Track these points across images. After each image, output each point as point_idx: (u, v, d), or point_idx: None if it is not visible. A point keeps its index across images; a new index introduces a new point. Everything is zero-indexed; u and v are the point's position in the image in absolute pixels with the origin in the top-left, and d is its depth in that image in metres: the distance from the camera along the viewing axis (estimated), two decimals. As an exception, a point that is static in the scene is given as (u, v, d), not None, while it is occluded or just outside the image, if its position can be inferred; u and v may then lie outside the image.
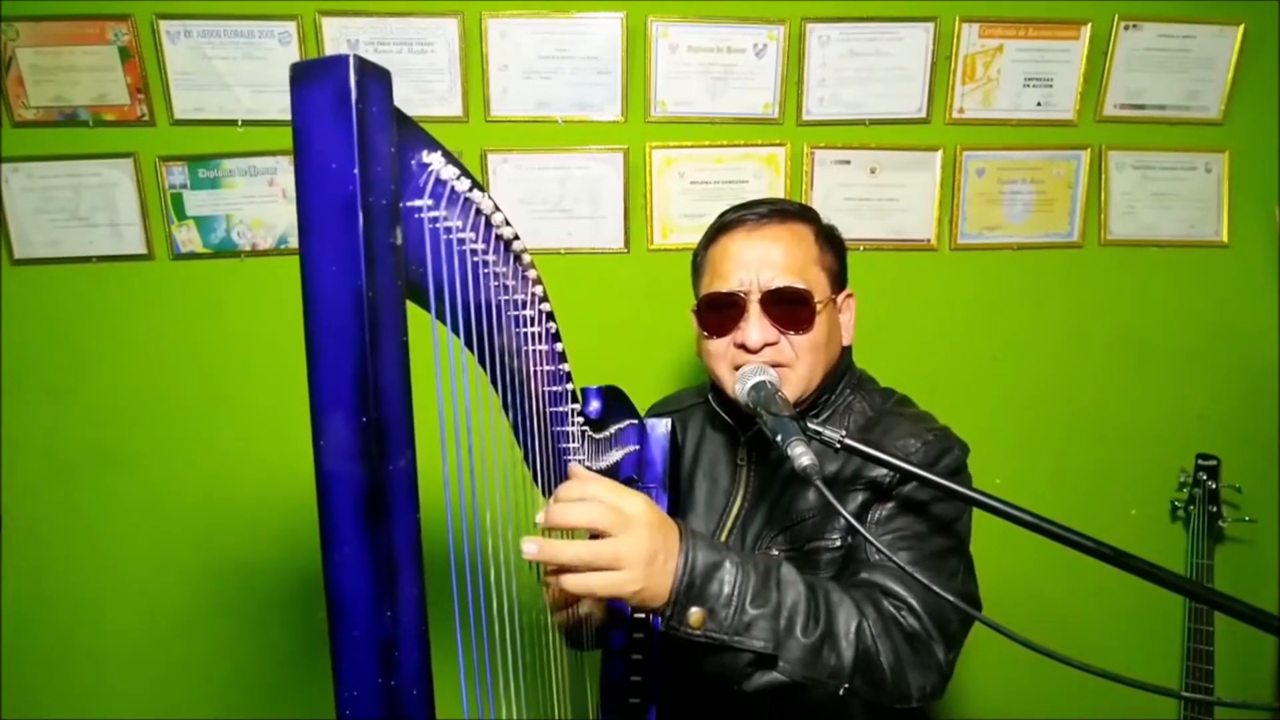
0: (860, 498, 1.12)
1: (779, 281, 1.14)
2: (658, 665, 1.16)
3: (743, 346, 1.14)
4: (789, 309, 1.14)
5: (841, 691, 0.92)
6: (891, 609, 0.98)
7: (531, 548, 0.79)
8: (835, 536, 1.12)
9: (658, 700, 1.15)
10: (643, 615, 1.16)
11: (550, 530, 0.84)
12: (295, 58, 1.80)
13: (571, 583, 0.83)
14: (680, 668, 1.11)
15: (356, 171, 0.52)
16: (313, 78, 0.52)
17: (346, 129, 0.52)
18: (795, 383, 1.16)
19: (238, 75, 1.82)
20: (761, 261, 1.15)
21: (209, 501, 1.93)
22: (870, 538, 0.85)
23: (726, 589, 0.88)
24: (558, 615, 1.13)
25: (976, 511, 1.03)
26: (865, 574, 1.03)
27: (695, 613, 0.87)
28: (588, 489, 0.86)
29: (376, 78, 0.54)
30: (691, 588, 0.87)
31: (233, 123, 1.84)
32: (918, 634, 0.98)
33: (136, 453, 1.91)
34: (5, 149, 1.81)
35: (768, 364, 1.13)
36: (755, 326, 1.13)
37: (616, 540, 0.82)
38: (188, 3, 1.79)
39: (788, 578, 0.93)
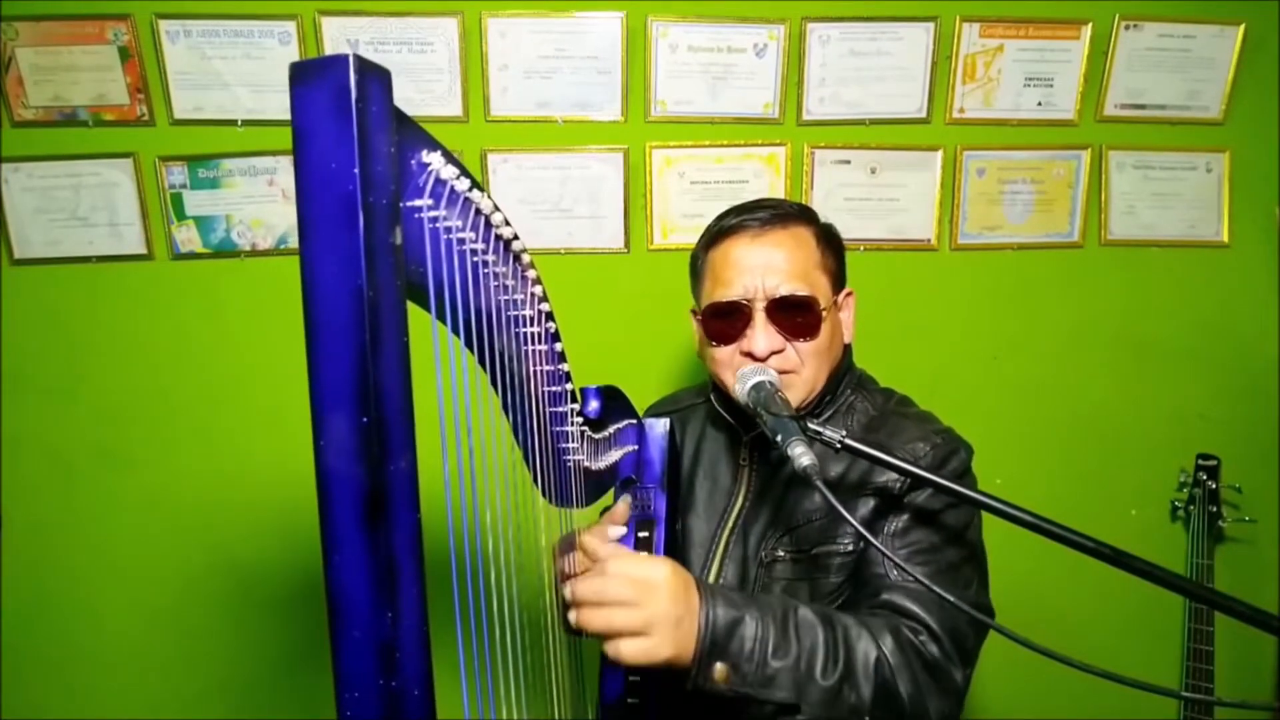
0: (871, 504, 1.11)
1: (784, 289, 1.13)
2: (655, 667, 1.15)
3: (749, 355, 1.14)
4: (795, 316, 1.14)
5: None
6: (909, 634, 0.98)
7: (573, 615, 0.89)
8: (846, 541, 1.12)
9: (656, 701, 1.14)
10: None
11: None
12: (295, 57, 1.80)
13: (606, 649, 0.88)
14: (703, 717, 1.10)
15: (356, 171, 0.52)
16: (312, 77, 0.52)
17: (346, 128, 0.52)
18: (801, 386, 1.16)
19: (237, 75, 1.82)
20: (766, 268, 1.14)
21: (209, 501, 1.93)
22: (877, 544, 0.86)
23: (748, 645, 0.90)
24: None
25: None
26: (885, 595, 1.03)
27: (720, 669, 0.89)
28: (610, 566, 0.89)
29: (376, 77, 0.54)
30: (715, 646, 0.89)
31: (232, 122, 1.84)
32: (937, 661, 0.98)
33: (136, 452, 1.91)
34: (5, 149, 1.81)
35: (774, 370, 1.13)
36: (761, 335, 1.13)
37: (645, 609, 0.86)
38: (187, 2, 1.78)
39: (805, 620, 0.94)
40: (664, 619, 0.86)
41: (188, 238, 1.87)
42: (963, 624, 1.00)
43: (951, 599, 0.81)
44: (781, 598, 1.01)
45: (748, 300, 1.14)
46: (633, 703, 1.14)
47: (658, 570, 0.89)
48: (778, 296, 1.13)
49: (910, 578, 0.99)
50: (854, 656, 0.94)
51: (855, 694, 0.92)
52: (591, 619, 0.87)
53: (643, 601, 0.86)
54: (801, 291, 1.13)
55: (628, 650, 0.86)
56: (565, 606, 1.15)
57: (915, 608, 1.00)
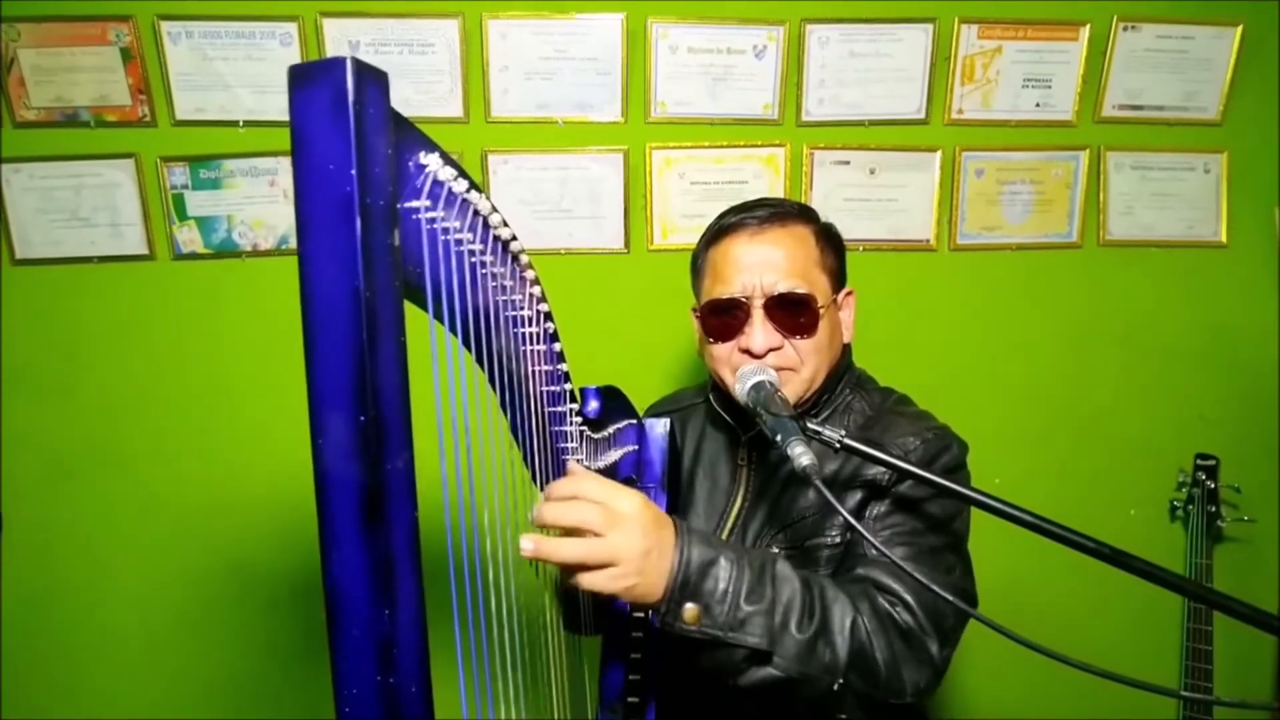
0: (858, 495, 1.12)
1: (782, 286, 1.14)
2: (656, 664, 1.16)
3: (748, 351, 1.15)
4: (792, 313, 1.15)
5: (835, 686, 0.93)
6: (886, 605, 0.99)
7: (528, 545, 0.80)
8: (834, 533, 1.13)
9: (656, 699, 1.15)
10: (641, 614, 1.16)
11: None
12: (296, 59, 1.80)
13: (568, 578, 0.85)
14: (678, 666, 1.11)
15: (354, 173, 0.52)
16: (310, 80, 0.52)
17: (344, 130, 0.52)
18: (799, 384, 1.17)
19: (239, 76, 1.83)
20: (764, 265, 1.15)
21: (208, 501, 1.93)
22: (868, 536, 0.85)
23: (722, 585, 0.89)
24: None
25: (976, 512, 1.04)
26: (862, 569, 1.03)
27: (690, 609, 0.87)
28: (580, 486, 0.86)
29: (374, 80, 0.54)
30: (686, 584, 0.87)
31: (234, 123, 1.85)
32: (912, 630, 0.98)
33: (136, 453, 1.92)
34: (7, 149, 1.82)
35: (772, 368, 1.13)
36: (759, 332, 1.14)
37: (609, 538, 0.83)
38: (189, 3, 1.79)
39: (783, 573, 0.94)
40: (630, 547, 0.83)
41: (189, 238, 1.88)
42: (941, 603, 0.99)
43: (921, 578, 0.82)
44: (761, 550, 1.01)
45: (746, 297, 1.15)
46: (632, 701, 1.14)
47: (627, 500, 0.86)
48: (775, 294, 1.14)
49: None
50: (830, 615, 0.94)
51: (830, 651, 0.92)
52: (558, 549, 0.82)
53: (607, 528, 0.83)
54: (799, 289, 1.14)
55: (591, 580, 0.83)
56: (565, 602, 1.16)
57: (892, 582, 1.01)
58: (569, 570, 0.85)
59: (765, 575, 0.92)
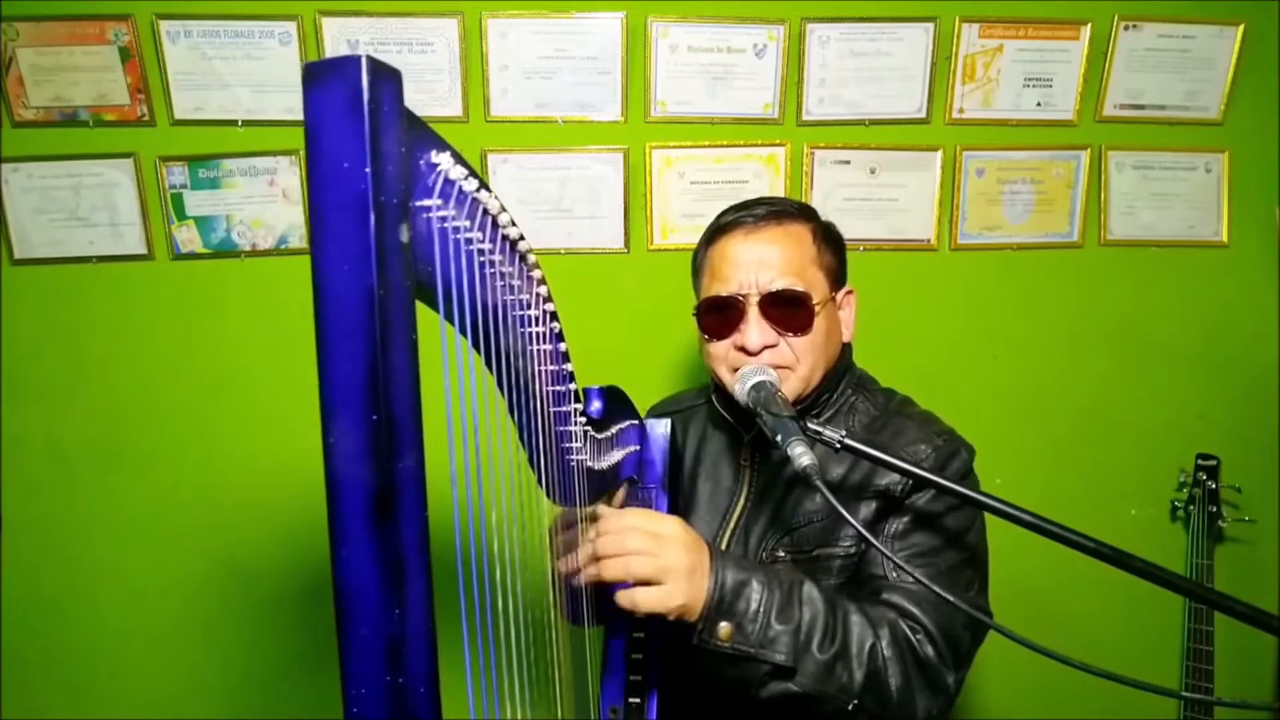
0: (873, 506, 1.12)
1: (777, 284, 1.14)
2: (657, 664, 1.16)
3: (743, 349, 1.15)
4: (788, 310, 1.15)
5: (850, 707, 0.96)
6: (907, 632, 1.00)
7: (592, 569, 0.96)
8: (848, 543, 1.13)
9: (658, 698, 1.15)
10: (642, 616, 1.16)
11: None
12: (295, 58, 1.80)
13: (621, 598, 0.93)
14: (683, 671, 1.11)
15: (368, 171, 0.52)
16: (325, 78, 0.52)
17: (358, 129, 0.52)
18: (796, 383, 1.17)
19: (238, 75, 1.82)
20: (760, 263, 1.15)
21: (209, 501, 1.93)
22: (878, 545, 0.88)
23: (754, 605, 0.94)
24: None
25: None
26: (886, 594, 1.05)
27: (724, 627, 0.93)
28: (626, 520, 0.95)
29: (388, 78, 0.54)
30: (722, 603, 0.93)
31: (233, 123, 1.84)
32: (930, 661, 1.00)
33: (136, 452, 1.91)
34: (5, 149, 1.81)
35: (768, 366, 1.13)
36: (754, 329, 1.14)
37: (659, 558, 0.92)
38: (188, 3, 1.78)
39: (809, 595, 0.98)
40: (678, 567, 0.92)
41: (188, 238, 1.87)
42: (958, 628, 1.03)
43: (951, 598, 0.83)
44: (790, 569, 1.04)
45: (741, 295, 1.15)
46: (634, 702, 1.14)
47: (670, 525, 0.96)
48: (770, 291, 1.14)
49: (909, 579, 1.02)
50: (850, 638, 0.97)
51: (847, 673, 0.96)
52: (611, 567, 0.93)
53: (657, 551, 0.92)
54: (794, 287, 1.14)
55: (644, 598, 0.92)
56: (568, 593, 1.15)
57: (913, 608, 1.02)
58: (614, 590, 0.95)
59: (794, 596, 0.97)
